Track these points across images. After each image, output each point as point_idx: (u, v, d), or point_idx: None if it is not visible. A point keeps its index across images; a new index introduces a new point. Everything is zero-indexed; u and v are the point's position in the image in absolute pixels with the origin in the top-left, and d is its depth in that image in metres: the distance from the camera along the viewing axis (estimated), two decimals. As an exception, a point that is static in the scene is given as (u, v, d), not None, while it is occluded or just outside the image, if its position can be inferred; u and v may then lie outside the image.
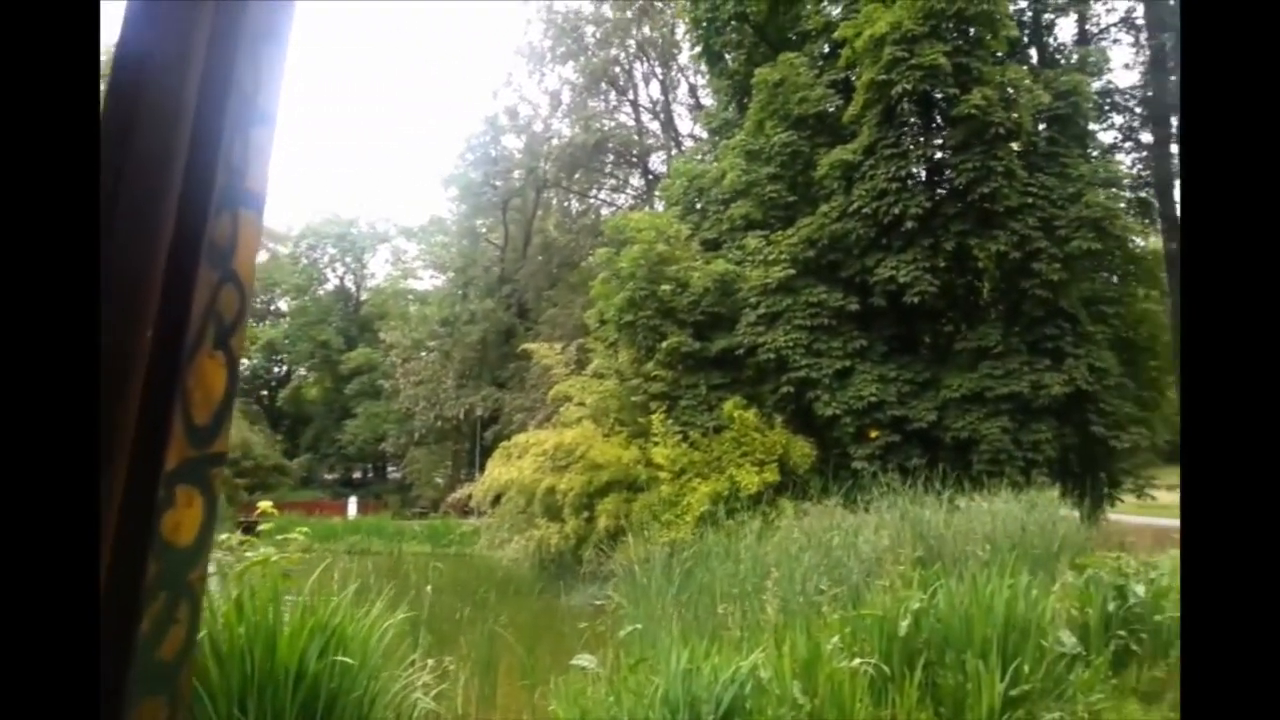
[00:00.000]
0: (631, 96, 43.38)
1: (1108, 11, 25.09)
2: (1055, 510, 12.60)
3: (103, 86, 0.98)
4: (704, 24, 25.22)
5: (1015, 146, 18.63)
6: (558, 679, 5.46)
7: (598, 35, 40.93)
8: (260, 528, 4.96)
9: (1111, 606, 6.96)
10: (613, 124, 42.35)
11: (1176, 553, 7.82)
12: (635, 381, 19.48)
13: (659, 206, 28.74)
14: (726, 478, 16.77)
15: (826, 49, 21.78)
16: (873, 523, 10.96)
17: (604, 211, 43.11)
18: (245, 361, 60.28)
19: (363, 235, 60.02)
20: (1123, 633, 6.82)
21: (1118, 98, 24.51)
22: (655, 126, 43.43)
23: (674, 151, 39.84)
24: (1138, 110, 24.67)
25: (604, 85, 42.08)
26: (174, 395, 0.95)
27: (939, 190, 19.73)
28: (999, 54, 19.37)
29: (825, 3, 22.80)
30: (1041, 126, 19.66)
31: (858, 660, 5.32)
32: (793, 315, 18.62)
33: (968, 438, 17.62)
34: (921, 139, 19.28)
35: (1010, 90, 18.50)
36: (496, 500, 20.27)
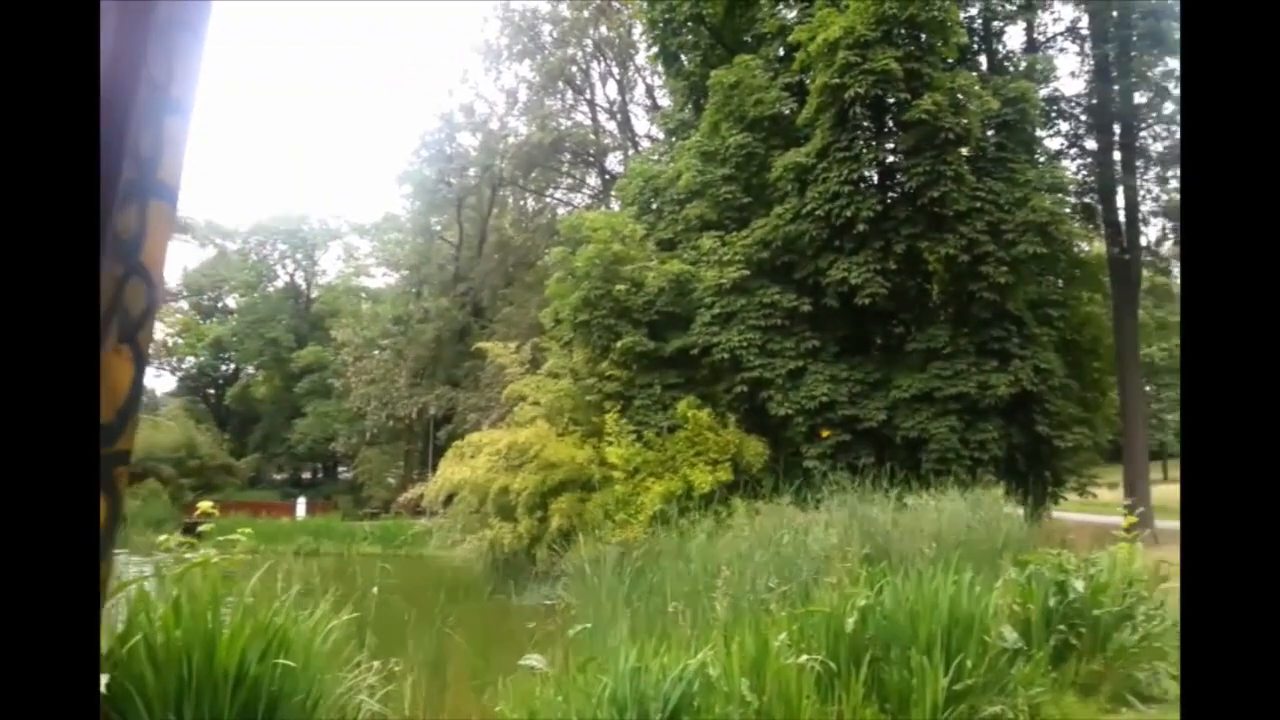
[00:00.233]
0: (588, 96, 43.32)
1: (1054, 21, 25.61)
2: (1000, 508, 12.83)
3: None
4: (660, 25, 25.26)
5: (965, 151, 18.90)
6: (506, 679, 5.41)
7: (555, 34, 40.73)
8: (201, 528, 4.84)
9: (1052, 602, 7.09)
10: (569, 123, 42.18)
11: (1115, 549, 8.04)
12: (590, 381, 19.46)
13: (615, 206, 28.72)
14: (680, 477, 16.83)
15: (781, 52, 21.88)
16: (823, 521, 11.05)
17: (560, 210, 42.87)
18: (192, 359, 59.09)
19: (314, 232, 59.17)
20: (1063, 627, 6.95)
21: (1063, 105, 25.00)
22: (612, 126, 43.39)
23: (630, 151, 39.82)
24: (1082, 117, 25.20)
25: (561, 84, 41.89)
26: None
27: (890, 194, 20.01)
28: (949, 60, 19.65)
29: (780, 6, 22.96)
30: (990, 132, 19.97)
31: (805, 657, 5.34)
32: (747, 316, 18.75)
33: (917, 437, 17.91)
34: (873, 143, 19.49)
35: (960, 96, 18.79)
36: (449, 500, 20.09)
